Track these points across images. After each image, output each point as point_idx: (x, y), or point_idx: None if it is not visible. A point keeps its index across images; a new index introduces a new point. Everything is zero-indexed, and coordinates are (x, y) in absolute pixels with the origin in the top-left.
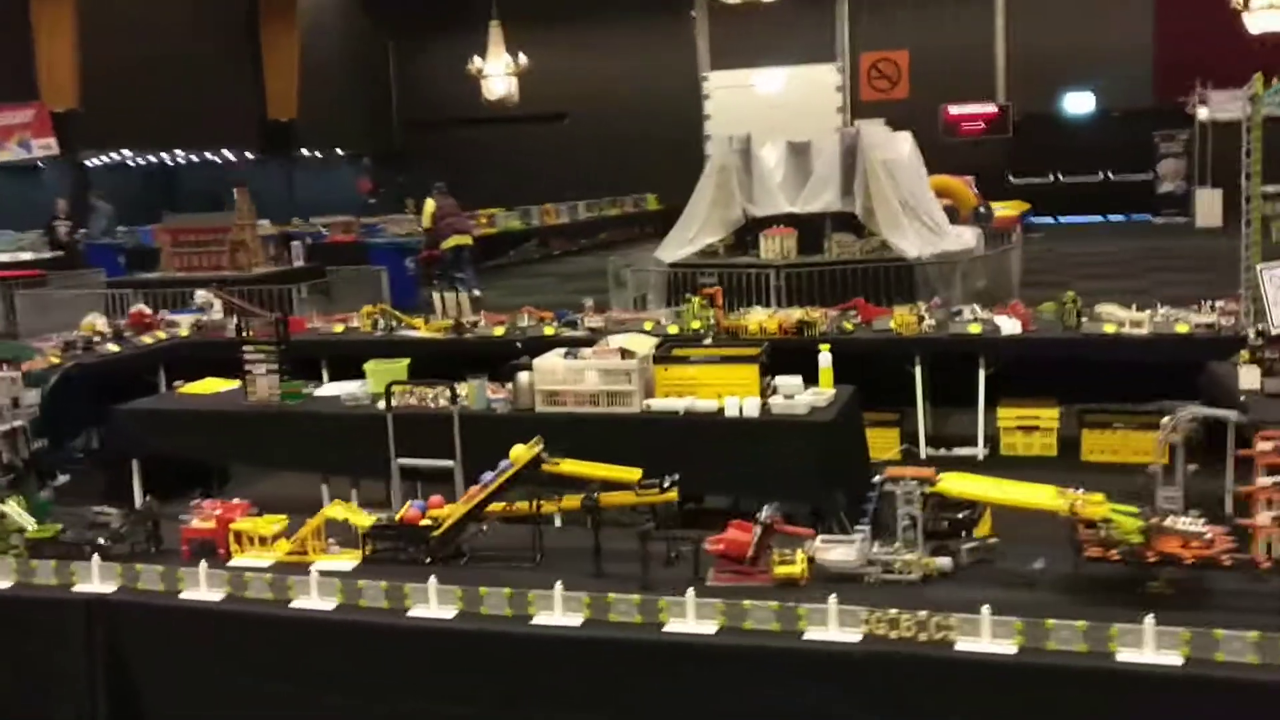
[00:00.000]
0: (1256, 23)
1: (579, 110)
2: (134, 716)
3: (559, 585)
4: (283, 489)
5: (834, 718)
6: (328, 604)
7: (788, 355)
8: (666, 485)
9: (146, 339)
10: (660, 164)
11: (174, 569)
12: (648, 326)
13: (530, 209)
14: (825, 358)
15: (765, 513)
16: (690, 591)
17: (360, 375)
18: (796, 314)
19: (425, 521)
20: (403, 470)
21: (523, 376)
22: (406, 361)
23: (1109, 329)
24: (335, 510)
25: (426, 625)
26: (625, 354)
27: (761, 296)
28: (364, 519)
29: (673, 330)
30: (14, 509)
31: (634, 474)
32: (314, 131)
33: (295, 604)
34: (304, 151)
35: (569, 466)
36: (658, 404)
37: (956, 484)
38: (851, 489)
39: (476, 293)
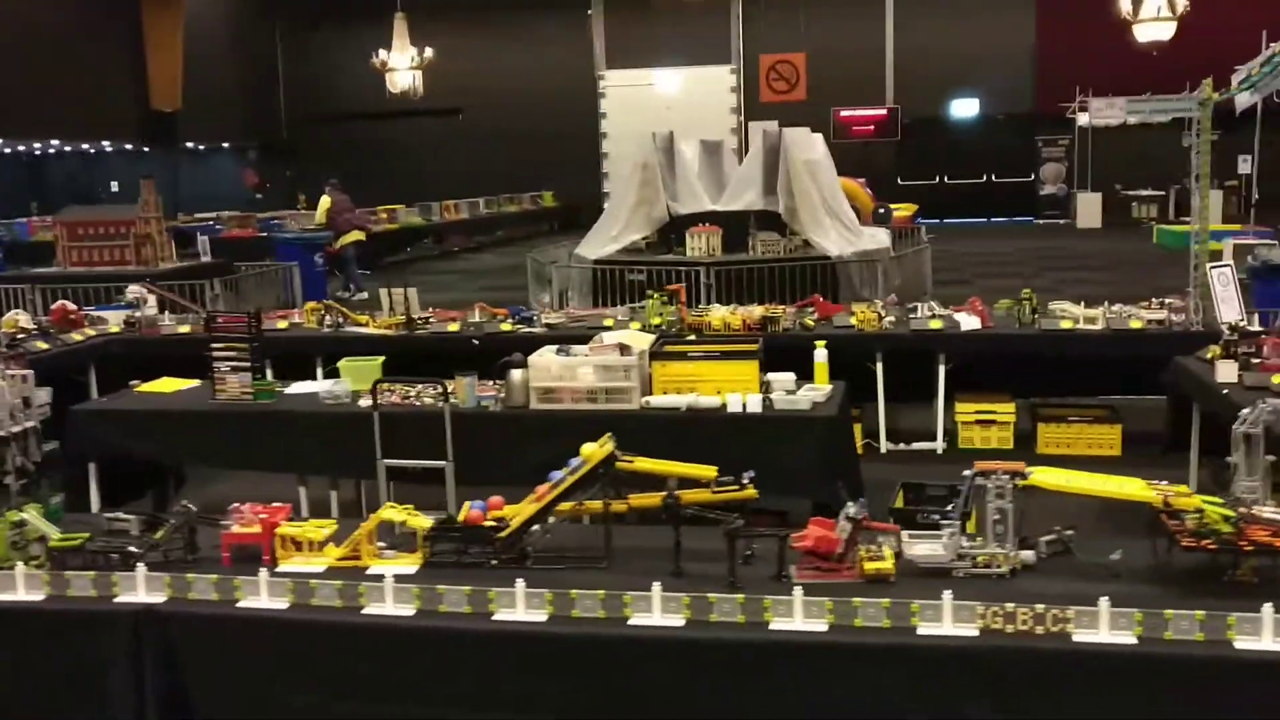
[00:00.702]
0: (1145, 32)
1: (474, 106)
2: None
3: (657, 586)
4: (242, 491)
5: (950, 713)
6: (404, 610)
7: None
8: (745, 482)
9: (76, 336)
10: (557, 161)
11: (230, 576)
12: (608, 323)
13: (431, 205)
14: (821, 353)
15: (853, 509)
16: (798, 590)
17: (308, 373)
18: (758, 310)
19: (489, 522)
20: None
21: (516, 374)
22: (381, 359)
23: (1066, 325)
24: (390, 513)
25: (514, 630)
26: (624, 350)
27: (691, 294)
28: (423, 521)
29: (635, 327)
30: (34, 516)
31: (709, 471)
32: (198, 123)
33: (368, 611)
34: (188, 144)
35: (644, 464)
36: (658, 401)
37: (1049, 478)
38: (848, 483)
39: (364, 293)
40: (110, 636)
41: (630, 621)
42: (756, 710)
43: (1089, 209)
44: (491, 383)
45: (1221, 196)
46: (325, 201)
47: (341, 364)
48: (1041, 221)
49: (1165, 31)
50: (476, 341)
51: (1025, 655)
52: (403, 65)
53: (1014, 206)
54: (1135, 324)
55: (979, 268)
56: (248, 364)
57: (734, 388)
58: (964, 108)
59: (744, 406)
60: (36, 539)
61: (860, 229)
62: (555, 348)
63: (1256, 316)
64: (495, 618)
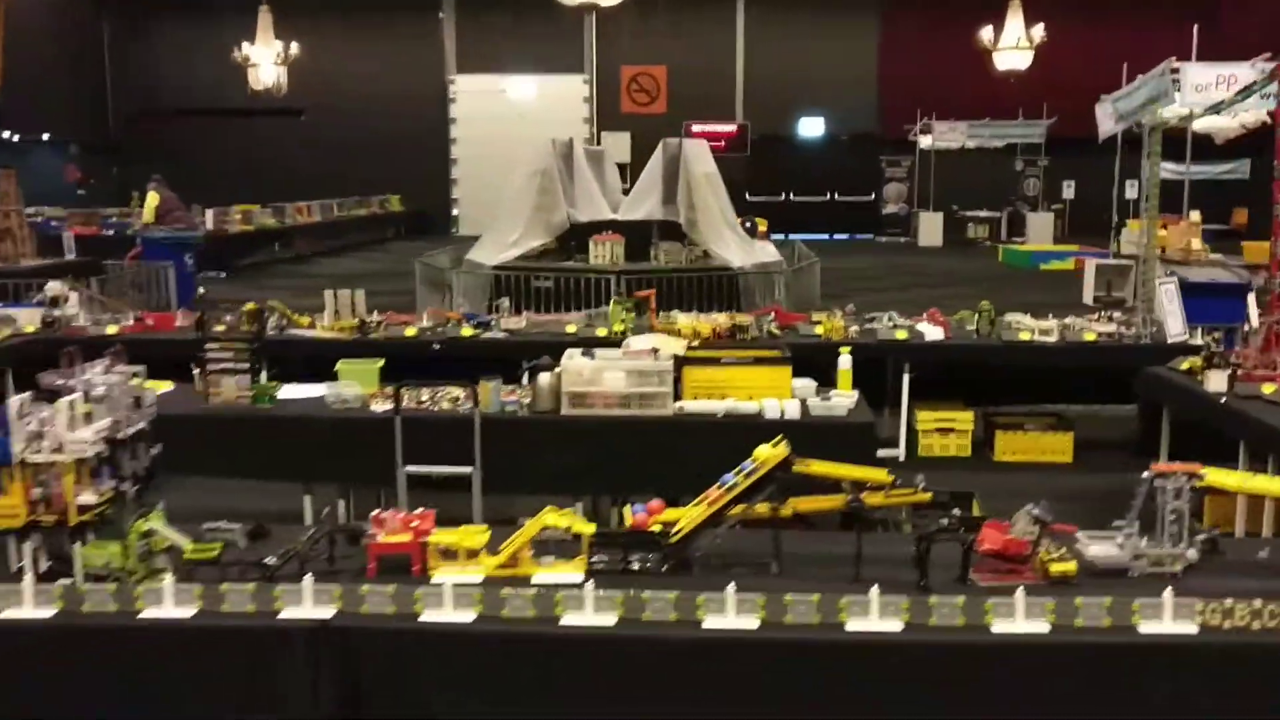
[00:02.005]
0: (1004, 61)
1: (319, 106)
2: None
3: (874, 590)
4: (207, 501)
5: (1177, 709)
6: (605, 619)
7: None
8: (918, 485)
9: None
10: (404, 165)
11: (410, 588)
12: (570, 328)
13: (284, 207)
14: (845, 360)
15: (1039, 511)
16: (1019, 591)
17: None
18: (723, 318)
19: (654, 527)
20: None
21: (544, 378)
22: (381, 362)
23: (1024, 336)
24: (551, 517)
25: (723, 637)
26: (656, 355)
27: (598, 300)
28: (586, 526)
29: (601, 333)
30: (162, 525)
31: (881, 475)
32: (16, 113)
33: (566, 621)
34: (3, 134)
35: (819, 468)
36: (693, 406)
37: (1223, 478)
38: None
39: (201, 290)
40: (281, 654)
41: (847, 627)
42: (978, 711)
43: (930, 228)
44: (513, 386)
45: (1052, 219)
46: (153, 199)
47: (340, 366)
48: (883, 239)
49: (1023, 60)
50: (438, 346)
51: (1244, 650)
52: (266, 60)
53: (856, 224)
54: (1089, 336)
55: (848, 282)
56: (246, 366)
57: (765, 394)
58: (810, 127)
59: (782, 413)
60: (165, 549)
61: (753, 241)
62: (581, 351)
63: (1200, 330)
64: (705, 625)
